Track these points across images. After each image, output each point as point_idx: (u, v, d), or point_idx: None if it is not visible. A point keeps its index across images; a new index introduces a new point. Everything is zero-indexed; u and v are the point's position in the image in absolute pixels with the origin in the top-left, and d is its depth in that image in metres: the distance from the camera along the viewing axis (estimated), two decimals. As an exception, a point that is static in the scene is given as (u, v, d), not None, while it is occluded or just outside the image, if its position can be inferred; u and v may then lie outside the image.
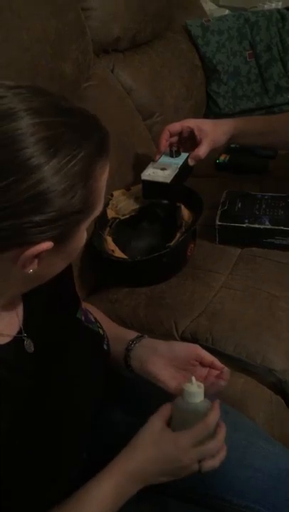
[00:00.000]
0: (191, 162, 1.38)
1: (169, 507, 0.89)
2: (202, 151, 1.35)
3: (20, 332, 0.79)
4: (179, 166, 1.36)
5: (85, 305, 0.99)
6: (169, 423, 0.85)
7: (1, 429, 0.71)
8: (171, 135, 1.39)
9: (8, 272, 0.68)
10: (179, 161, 1.38)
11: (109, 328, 1.00)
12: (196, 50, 2.01)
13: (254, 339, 1.19)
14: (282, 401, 1.17)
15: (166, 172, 1.35)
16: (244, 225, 1.39)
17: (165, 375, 0.92)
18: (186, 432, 0.81)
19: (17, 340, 0.78)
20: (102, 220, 1.35)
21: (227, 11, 2.40)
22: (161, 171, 1.36)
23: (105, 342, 0.94)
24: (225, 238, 1.42)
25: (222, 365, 0.95)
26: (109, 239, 1.33)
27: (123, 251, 1.31)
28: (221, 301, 1.28)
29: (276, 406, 1.16)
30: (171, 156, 1.40)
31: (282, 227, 1.37)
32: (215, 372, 0.94)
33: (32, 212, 0.62)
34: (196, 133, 1.36)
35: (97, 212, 0.72)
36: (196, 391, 0.82)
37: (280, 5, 2.39)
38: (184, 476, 0.83)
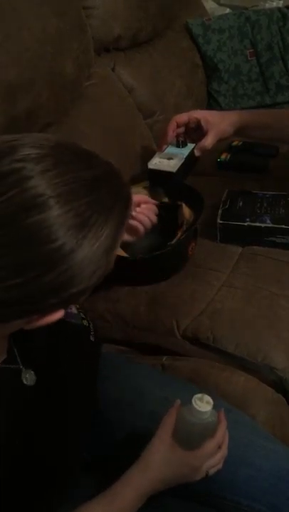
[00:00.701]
0: (197, 153, 1.39)
1: (170, 505, 0.89)
2: (208, 141, 1.36)
3: (13, 356, 0.78)
4: (185, 156, 1.38)
5: None
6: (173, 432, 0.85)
7: (1, 430, 0.71)
8: (178, 126, 1.40)
9: (10, 324, 0.66)
10: (185, 151, 1.40)
11: None
12: (196, 48, 2.01)
13: (255, 337, 1.19)
14: (284, 399, 1.17)
15: (173, 162, 1.38)
16: (245, 224, 1.38)
17: None
18: (198, 452, 0.82)
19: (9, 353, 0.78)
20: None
21: (228, 10, 2.40)
22: (167, 161, 1.38)
23: (91, 333, 0.93)
24: (226, 237, 1.42)
25: None
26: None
27: (124, 249, 1.31)
28: (222, 299, 1.28)
29: (277, 404, 1.15)
30: (178, 147, 1.41)
31: (283, 226, 1.36)
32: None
33: (50, 298, 0.60)
34: (203, 124, 1.37)
35: None
36: (206, 410, 0.80)
37: (281, 3, 2.39)
38: None
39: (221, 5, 2.55)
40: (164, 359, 1.20)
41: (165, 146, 1.42)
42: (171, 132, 1.40)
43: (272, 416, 1.12)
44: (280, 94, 2.03)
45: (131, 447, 0.95)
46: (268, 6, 2.37)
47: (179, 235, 1.30)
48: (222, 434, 0.84)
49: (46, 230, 0.57)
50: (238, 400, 1.09)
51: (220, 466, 0.86)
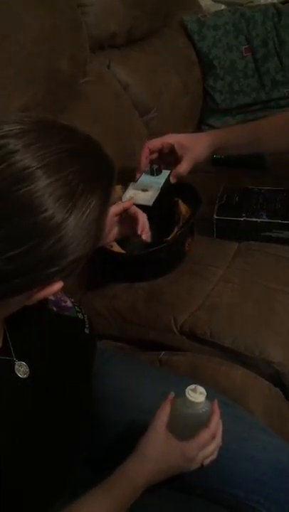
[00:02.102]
0: (172, 180, 1.32)
1: (169, 499, 0.89)
2: (183, 168, 1.30)
3: (8, 348, 0.78)
4: (160, 186, 1.31)
5: None
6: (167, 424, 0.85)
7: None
8: (151, 152, 1.34)
9: (11, 302, 0.67)
10: (161, 179, 1.33)
11: None
12: (192, 45, 2.01)
13: (252, 332, 1.20)
14: (281, 393, 1.18)
15: (148, 193, 1.30)
16: (241, 219, 1.39)
17: None
18: (192, 443, 0.83)
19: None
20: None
21: (223, 6, 2.40)
22: (142, 193, 1.31)
23: (86, 325, 0.94)
24: (222, 232, 1.43)
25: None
26: (107, 234, 1.33)
27: (121, 246, 1.31)
28: (219, 295, 1.28)
29: (275, 398, 1.16)
30: (152, 175, 1.34)
31: (279, 221, 1.37)
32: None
33: (48, 267, 0.62)
34: (177, 149, 1.31)
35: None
36: (199, 401, 0.81)
37: (275, -1, 2.39)
38: None
39: (216, 1, 2.55)
40: (161, 354, 1.21)
41: (139, 175, 1.35)
42: (144, 159, 1.33)
43: (270, 410, 1.12)
44: (276, 90, 2.03)
45: (130, 443, 0.96)
46: (262, 2, 2.36)
47: (175, 231, 1.31)
48: (215, 424, 0.85)
49: (37, 200, 0.59)
50: (236, 394, 1.10)
51: (214, 456, 0.86)
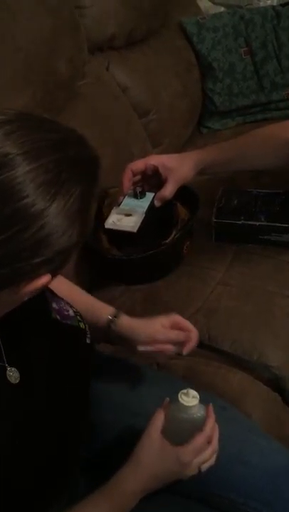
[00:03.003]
0: (157, 204, 1.27)
1: (167, 502, 0.89)
2: (168, 190, 1.25)
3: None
4: (144, 211, 1.27)
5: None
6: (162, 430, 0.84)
7: None
8: (134, 174, 1.28)
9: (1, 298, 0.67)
10: (145, 203, 1.29)
11: (81, 301, 1.01)
12: (191, 47, 2.01)
13: (250, 336, 1.20)
14: (279, 397, 1.18)
15: (132, 219, 1.26)
16: (240, 222, 1.39)
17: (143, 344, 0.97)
18: (186, 447, 0.82)
19: None
20: (97, 219, 1.35)
21: (222, 9, 2.40)
22: (126, 218, 1.27)
23: (88, 335, 0.93)
24: (221, 235, 1.42)
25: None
26: (104, 237, 1.33)
27: (119, 249, 1.31)
28: (217, 298, 1.28)
29: (273, 402, 1.16)
30: (136, 198, 1.30)
31: (278, 224, 1.37)
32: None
33: (33, 256, 0.61)
34: (161, 171, 1.26)
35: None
36: (192, 405, 0.81)
37: (275, 2, 2.38)
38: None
39: (215, 3, 2.55)
40: (159, 358, 1.20)
41: (122, 198, 1.30)
42: (127, 182, 1.27)
43: (268, 414, 1.12)
44: (275, 92, 2.03)
45: (127, 446, 0.95)
46: (262, 4, 2.37)
47: (173, 234, 1.30)
48: (210, 428, 0.84)
49: (18, 186, 0.59)
50: (234, 398, 1.10)
51: (212, 461, 0.85)
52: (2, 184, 0.59)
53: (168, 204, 1.36)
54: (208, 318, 1.23)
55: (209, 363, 1.18)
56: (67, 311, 0.94)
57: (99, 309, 1.03)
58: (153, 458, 0.82)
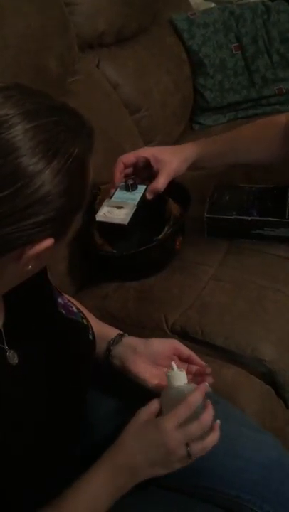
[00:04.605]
0: (149, 196, 1.27)
1: (159, 497, 0.89)
2: (160, 183, 1.24)
3: (0, 336, 0.78)
4: (136, 203, 1.26)
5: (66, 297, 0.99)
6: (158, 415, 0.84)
7: None
8: (126, 166, 1.28)
9: (5, 269, 0.68)
10: (136, 195, 1.28)
11: (91, 323, 1.00)
12: (182, 43, 2.01)
13: (243, 330, 1.20)
14: (273, 391, 1.18)
15: (123, 211, 1.25)
16: (232, 217, 1.39)
17: (145, 373, 0.94)
18: (167, 414, 0.81)
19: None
20: (90, 215, 1.35)
21: (212, 4, 2.40)
22: (117, 210, 1.26)
23: (90, 332, 0.94)
24: (213, 231, 1.42)
25: (201, 361, 0.96)
26: (97, 233, 1.32)
27: (111, 245, 1.31)
28: (210, 293, 1.28)
29: (267, 396, 1.16)
30: (127, 190, 1.29)
31: (270, 219, 1.37)
32: (194, 368, 0.96)
33: (35, 214, 0.63)
34: (153, 163, 1.25)
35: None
36: (177, 374, 0.83)
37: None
38: (176, 467, 0.82)
39: (206, 0, 2.55)
40: (153, 354, 1.20)
41: (113, 190, 1.30)
42: (119, 174, 1.28)
43: (262, 408, 1.12)
44: (266, 87, 2.03)
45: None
46: (252, -1, 2.37)
47: (166, 230, 1.30)
48: (195, 398, 0.81)
49: (17, 143, 0.61)
50: (228, 392, 1.10)
51: (206, 445, 0.82)
52: (2, 142, 0.60)
53: (160, 200, 1.36)
54: (201, 313, 1.23)
55: (202, 358, 1.17)
56: (71, 307, 0.95)
57: (105, 331, 1.03)
58: (134, 431, 0.83)
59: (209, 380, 0.93)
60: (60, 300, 0.93)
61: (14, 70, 1.30)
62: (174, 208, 1.36)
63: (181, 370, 0.84)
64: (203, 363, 0.96)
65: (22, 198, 0.61)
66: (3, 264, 0.66)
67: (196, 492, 0.92)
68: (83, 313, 0.96)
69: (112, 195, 1.30)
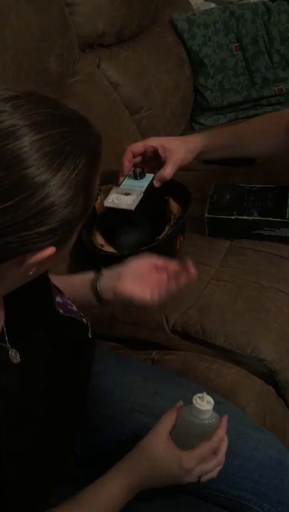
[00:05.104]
0: (156, 184, 1.31)
1: (159, 496, 0.89)
2: (167, 171, 1.28)
3: (3, 335, 0.79)
4: (143, 190, 1.29)
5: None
6: (171, 431, 0.84)
7: None
8: (134, 155, 1.32)
9: (6, 274, 0.68)
10: (144, 183, 1.31)
11: (67, 279, 1.02)
12: (182, 44, 2.01)
13: (244, 330, 1.20)
14: (273, 390, 1.18)
15: (131, 197, 1.28)
16: (233, 217, 1.39)
17: (137, 291, 0.96)
18: (191, 453, 0.81)
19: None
20: (90, 215, 1.34)
21: (213, 5, 2.40)
22: (124, 197, 1.29)
23: (89, 330, 0.94)
24: (214, 230, 1.43)
25: (176, 265, 0.99)
26: (98, 234, 1.33)
27: (112, 245, 1.31)
28: (210, 293, 1.28)
29: (267, 396, 1.16)
30: (135, 179, 1.32)
31: (270, 218, 1.37)
32: (172, 268, 0.99)
33: (38, 225, 0.63)
34: (160, 153, 1.29)
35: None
36: (206, 409, 0.79)
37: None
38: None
39: (206, 0, 2.55)
40: (154, 354, 1.21)
41: (122, 178, 1.33)
42: (127, 163, 1.31)
43: (262, 407, 1.12)
44: (267, 87, 2.03)
45: (121, 442, 0.96)
46: (252, -1, 2.37)
47: (166, 230, 1.30)
48: (219, 438, 0.82)
49: (24, 155, 0.61)
50: (228, 392, 1.10)
51: (214, 474, 0.84)
52: (9, 152, 0.60)
53: (160, 200, 1.36)
54: (201, 313, 1.23)
55: (203, 358, 1.18)
56: (71, 305, 0.95)
57: (83, 277, 1.04)
58: (156, 456, 0.82)
59: (192, 270, 0.97)
60: (58, 299, 0.93)
61: (15, 70, 1.30)
62: (174, 208, 1.36)
63: (209, 402, 0.80)
64: (180, 265, 0.99)
65: (25, 209, 0.61)
66: (4, 270, 0.67)
67: (196, 491, 0.92)
68: (82, 312, 0.97)
69: (121, 183, 1.33)
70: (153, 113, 1.83)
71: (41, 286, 0.90)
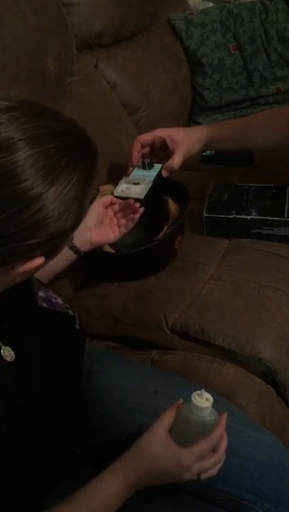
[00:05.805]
0: (164, 174, 1.34)
1: (159, 496, 0.89)
2: (176, 161, 1.32)
3: None
4: (152, 180, 1.32)
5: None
6: (171, 429, 0.84)
7: None
8: (143, 146, 1.36)
9: None
10: (153, 173, 1.34)
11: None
12: (180, 43, 2.01)
13: (243, 329, 1.20)
14: (273, 390, 1.18)
15: (140, 187, 1.31)
16: (231, 217, 1.39)
17: (105, 236, 1.17)
18: (190, 450, 0.81)
19: None
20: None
21: (210, 4, 2.40)
22: (134, 186, 1.32)
23: (76, 322, 0.95)
24: (212, 230, 1.43)
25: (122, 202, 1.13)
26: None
27: (111, 245, 1.31)
28: (209, 292, 1.28)
29: (267, 395, 1.16)
30: (144, 169, 1.35)
31: (269, 218, 1.37)
32: (116, 207, 1.20)
33: (29, 238, 0.64)
34: (169, 143, 1.32)
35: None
36: (204, 406, 0.79)
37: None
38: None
39: (204, -1, 2.55)
40: (153, 353, 1.21)
41: (131, 169, 1.36)
42: (136, 153, 1.35)
43: (262, 407, 1.12)
44: (265, 87, 2.03)
45: (121, 442, 0.96)
46: (250, -1, 2.37)
47: (165, 229, 1.30)
48: (218, 435, 0.82)
49: (18, 169, 0.61)
50: (228, 391, 1.10)
51: (213, 472, 0.84)
52: (3, 166, 0.61)
53: (159, 200, 1.36)
54: (200, 313, 1.23)
55: (202, 358, 1.18)
56: (56, 298, 0.96)
57: None
58: (154, 452, 0.82)
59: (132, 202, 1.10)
60: (41, 293, 0.94)
61: (13, 70, 1.30)
62: (173, 207, 1.36)
63: (208, 400, 0.80)
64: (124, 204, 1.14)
65: (18, 222, 0.62)
66: None
67: (195, 491, 0.92)
68: (68, 304, 0.98)
69: (130, 174, 1.36)
70: (151, 113, 1.82)
71: (24, 283, 0.90)
